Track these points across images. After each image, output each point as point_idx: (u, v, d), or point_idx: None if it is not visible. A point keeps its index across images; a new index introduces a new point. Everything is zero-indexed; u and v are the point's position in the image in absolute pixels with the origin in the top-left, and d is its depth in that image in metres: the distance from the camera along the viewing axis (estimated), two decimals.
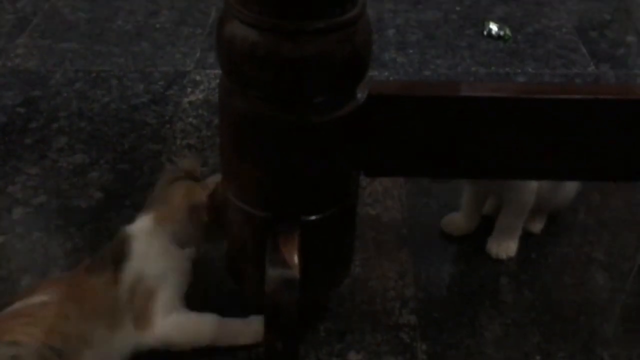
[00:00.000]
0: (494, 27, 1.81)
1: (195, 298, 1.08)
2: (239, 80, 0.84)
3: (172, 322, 0.98)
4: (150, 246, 1.00)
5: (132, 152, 1.41)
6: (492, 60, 1.71)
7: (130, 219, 1.06)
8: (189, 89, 1.60)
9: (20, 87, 1.59)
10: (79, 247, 1.18)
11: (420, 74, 1.66)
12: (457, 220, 1.21)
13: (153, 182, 1.32)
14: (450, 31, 1.83)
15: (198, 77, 1.64)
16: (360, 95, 0.88)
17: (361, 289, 1.12)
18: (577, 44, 1.78)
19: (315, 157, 0.88)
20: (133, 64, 1.69)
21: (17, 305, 0.92)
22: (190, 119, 1.50)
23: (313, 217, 0.91)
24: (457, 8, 1.93)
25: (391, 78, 1.65)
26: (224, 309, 1.07)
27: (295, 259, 0.87)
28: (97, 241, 1.17)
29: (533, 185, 1.11)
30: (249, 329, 1.00)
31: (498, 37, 1.79)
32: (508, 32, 1.80)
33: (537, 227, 1.22)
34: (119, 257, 0.98)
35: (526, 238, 1.19)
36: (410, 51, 1.75)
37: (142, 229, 1.02)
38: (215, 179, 1.04)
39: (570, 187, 1.20)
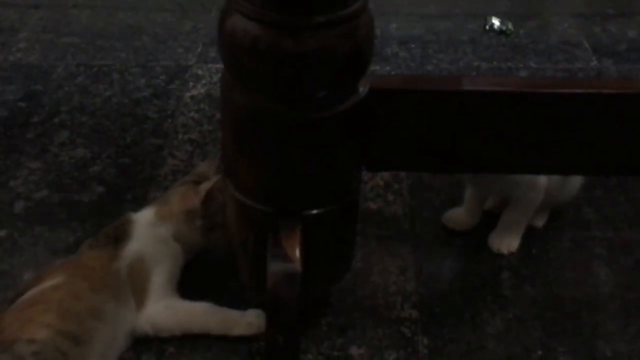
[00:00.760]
0: (496, 22, 1.81)
1: (195, 294, 1.08)
2: (240, 75, 0.84)
3: (163, 306, 1.01)
4: (151, 233, 1.05)
5: (134, 146, 1.41)
6: (495, 55, 1.71)
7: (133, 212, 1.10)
8: (191, 84, 1.60)
9: (21, 82, 1.59)
10: (81, 241, 1.18)
11: (422, 69, 1.66)
12: (459, 216, 1.21)
13: (154, 176, 1.32)
14: (453, 26, 1.83)
15: (200, 72, 1.63)
16: (362, 89, 0.88)
17: (363, 283, 1.12)
18: (580, 39, 1.77)
19: (317, 151, 0.88)
20: (135, 58, 1.69)
21: (31, 292, 0.95)
22: (191, 114, 1.50)
23: (315, 212, 0.91)
24: (460, 2, 1.93)
25: (393, 73, 1.64)
26: (226, 304, 1.07)
27: (297, 253, 0.87)
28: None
29: (542, 183, 1.11)
30: (243, 320, 1.02)
31: (500, 31, 1.79)
32: (510, 26, 1.80)
33: (539, 222, 1.22)
34: (120, 235, 1.04)
35: (528, 233, 1.19)
36: (412, 46, 1.75)
37: (144, 218, 1.08)
38: (206, 186, 1.06)
39: (575, 183, 1.20)
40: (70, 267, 1.00)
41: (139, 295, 1.01)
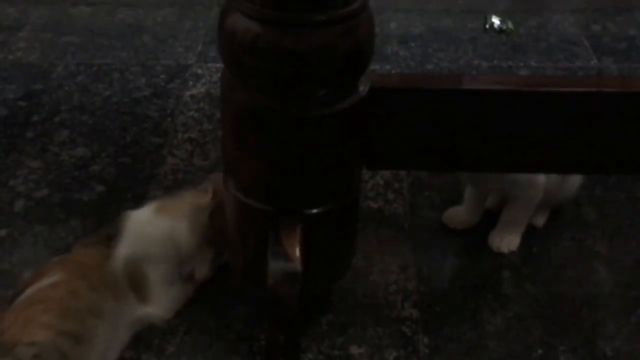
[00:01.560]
0: (496, 21, 1.80)
1: (196, 293, 1.08)
2: (240, 73, 0.84)
3: (170, 298, 1.03)
4: (144, 231, 1.04)
5: (134, 145, 1.41)
6: (495, 54, 1.71)
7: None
8: (191, 83, 1.59)
9: (22, 81, 1.59)
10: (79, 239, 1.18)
11: (423, 68, 1.65)
12: (459, 214, 1.21)
13: (154, 175, 1.32)
14: (453, 25, 1.83)
15: (200, 71, 1.63)
16: (362, 88, 0.88)
17: (363, 282, 1.12)
18: (580, 38, 1.77)
19: (317, 150, 0.88)
20: (135, 57, 1.68)
21: (29, 291, 0.95)
22: (191, 113, 1.50)
23: (315, 211, 0.91)
24: (460, 1, 1.93)
25: (393, 71, 1.64)
26: (226, 303, 1.07)
27: (297, 252, 0.87)
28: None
29: (541, 181, 1.11)
30: None
31: (500, 30, 1.79)
32: (510, 25, 1.80)
33: (539, 221, 1.22)
34: (112, 234, 1.03)
35: (528, 232, 1.19)
36: (413, 44, 1.75)
37: (140, 216, 1.06)
38: (216, 176, 1.06)
39: (574, 182, 1.20)
40: (67, 265, 0.99)
41: (140, 293, 1.01)
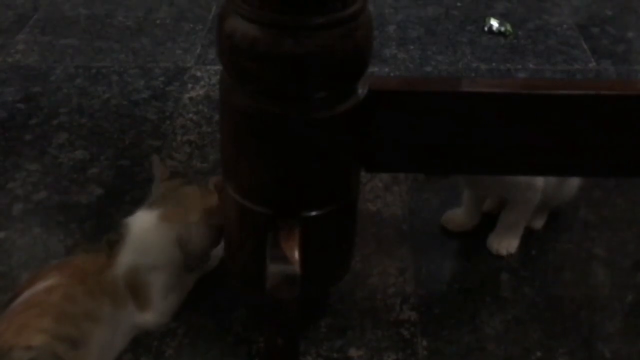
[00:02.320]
0: (494, 23, 1.81)
1: (191, 294, 1.08)
2: (239, 76, 0.84)
3: (169, 304, 1.03)
4: (147, 240, 1.02)
5: (133, 148, 1.41)
6: (493, 57, 1.71)
7: (131, 214, 1.07)
8: (190, 85, 1.59)
9: (20, 83, 1.59)
10: (79, 243, 1.18)
11: (421, 70, 1.66)
12: (458, 217, 1.21)
13: (153, 178, 1.32)
14: (451, 27, 1.83)
15: (198, 73, 1.63)
16: (361, 90, 0.88)
17: (362, 285, 1.12)
18: (578, 40, 1.77)
19: (316, 152, 0.88)
20: (133, 59, 1.68)
21: (25, 294, 0.94)
22: (190, 115, 1.50)
23: (314, 213, 0.91)
24: (458, 4, 1.93)
25: (392, 74, 1.64)
26: (225, 306, 1.07)
27: (296, 255, 0.87)
28: (98, 237, 1.17)
29: (539, 184, 1.11)
30: None
31: (499, 33, 1.79)
32: (509, 28, 1.80)
33: (538, 223, 1.22)
34: (114, 240, 1.02)
35: (527, 234, 1.19)
36: (411, 47, 1.75)
37: (143, 223, 1.04)
38: (215, 180, 1.05)
39: (573, 184, 1.20)
40: (65, 269, 0.99)
41: (140, 301, 1.00)
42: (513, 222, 1.16)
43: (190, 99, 1.55)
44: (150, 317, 1.01)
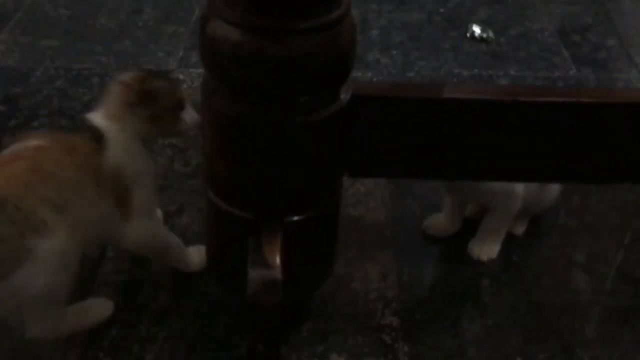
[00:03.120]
0: (477, 30, 1.82)
1: (176, 300, 1.08)
2: (222, 80, 0.84)
3: (145, 228, 1.03)
4: (123, 143, 1.00)
5: None
6: (475, 63, 1.72)
7: None
8: None
9: (0, 84, 1.57)
10: None
11: (404, 76, 1.66)
12: (440, 222, 1.21)
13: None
14: (434, 33, 1.84)
15: (181, 76, 1.62)
16: (344, 95, 0.88)
17: (344, 290, 1.12)
18: (559, 47, 1.79)
19: (299, 157, 0.88)
20: (115, 62, 1.67)
21: (15, 146, 0.95)
22: None
23: (296, 218, 0.91)
24: (441, 10, 1.94)
25: (375, 79, 1.65)
26: (206, 311, 1.06)
27: (278, 260, 0.87)
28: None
29: (519, 191, 1.12)
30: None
31: (481, 39, 1.80)
32: (491, 34, 1.81)
33: (519, 229, 1.23)
34: (99, 137, 0.99)
35: (508, 240, 1.20)
36: (394, 52, 1.76)
37: (108, 126, 1.00)
38: (127, 76, 1.03)
39: (553, 191, 1.21)
40: (57, 139, 0.98)
41: (122, 205, 1.00)
42: (494, 228, 1.17)
43: None
44: (130, 231, 1.01)
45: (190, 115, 1.05)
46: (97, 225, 0.98)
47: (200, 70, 1.57)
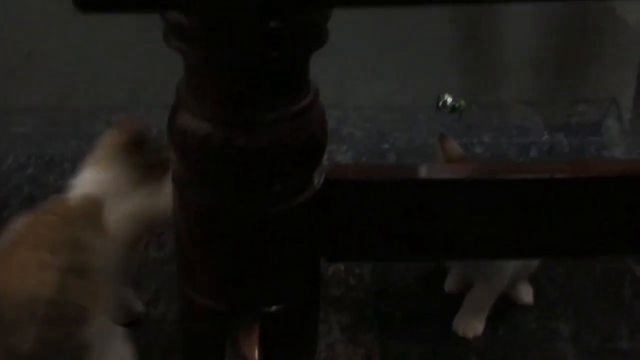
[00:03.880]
0: (448, 99, 1.83)
1: None
2: (191, 172, 0.82)
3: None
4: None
5: None
6: (449, 132, 1.72)
7: None
8: None
9: None
10: None
11: (379, 148, 1.67)
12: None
13: None
14: (407, 103, 1.85)
15: None
16: (317, 181, 0.87)
17: None
18: (532, 113, 1.81)
19: (274, 247, 0.86)
20: (87, 145, 1.65)
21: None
22: None
23: (274, 308, 0.88)
24: (410, 82, 1.96)
25: (349, 152, 1.65)
26: None
27: (256, 354, 0.84)
28: None
29: (507, 271, 1.10)
30: None
31: (453, 108, 1.82)
32: (463, 103, 1.82)
33: (528, 297, 1.20)
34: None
35: (494, 313, 1.18)
36: (368, 125, 1.76)
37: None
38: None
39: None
40: (32, 214, 0.95)
41: None
42: (479, 304, 1.15)
43: None
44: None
45: None
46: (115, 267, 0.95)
47: None
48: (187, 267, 0.89)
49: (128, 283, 1.08)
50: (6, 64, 1.94)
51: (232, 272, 0.86)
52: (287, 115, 0.79)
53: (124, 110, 1.81)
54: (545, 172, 0.89)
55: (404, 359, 1.12)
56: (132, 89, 1.90)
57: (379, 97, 1.88)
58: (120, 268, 0.98)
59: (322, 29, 0.78)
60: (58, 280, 0.84)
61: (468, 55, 2.08)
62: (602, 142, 1.69)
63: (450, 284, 1.21)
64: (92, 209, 0.97)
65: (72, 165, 1.58)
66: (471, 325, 1.15)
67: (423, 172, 0.91)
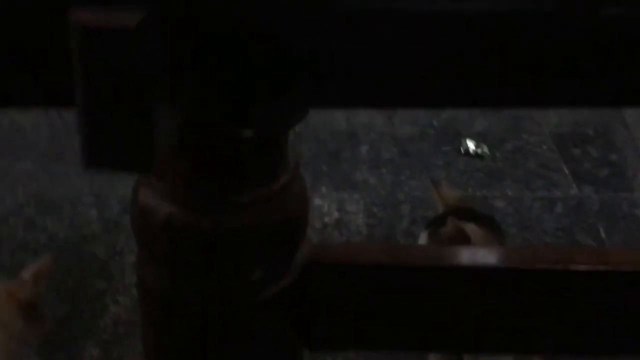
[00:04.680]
0: (471, 145, 1.73)
1: None
2: (155, 256, 0.74)
3: None
4: None
5: (75, 290, 1.30)
6: (470, 181, 1.62)
7: None
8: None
9: None
10: None
11: (393, 198, 1.57)
12: None
13: (92, 328, 1.21)
14: (426, 148, 1.75)
15: None
16: (297, 266, 0.78)
17: None
18: (559, 163, 1.69)
19: (250, 337, 0.77)
20: (89, 186, 1.60)
21: None
22: None
23: None
24: (434, 123, 1.86)
25: (362, 201, 1.56)
26: None
27: None
28: None
29: None
30: None
31: (475, 154, 1.71)
32: (486, 149, 1.72)
33: None
34: None
35: None
36: (384, 170, 1.67)
37: None
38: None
39: None
40: None
41: None
42: None
43: None
44: None
45: None
46: None
47: None
48: (153, 356, 0.81)
49: None
50: None
51: None
52: (261, 198, 0.71)
53: None
54: (560, 262, 0.79)
55: None
56: None
57: (397, 139, 1.78)
58: None
59: (301, 105, 0.69)
60: None
61: None
62: (633, 197, 1.56)
63: None
64: None
65: (70, 207, 1.53)
66: None
67: (413, 254, 0.81)
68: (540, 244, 1.42)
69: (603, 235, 1.44)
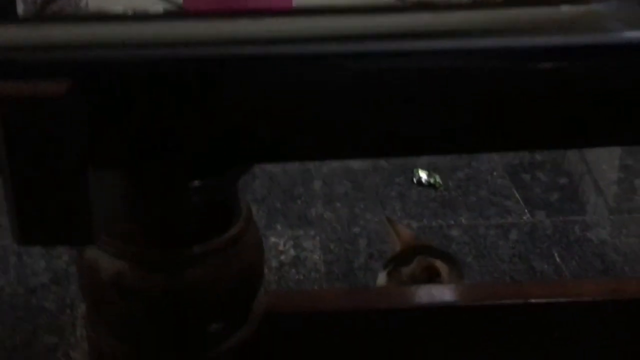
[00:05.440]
0: (423, 175, 1.74)
1: None
2: (105, 316, 0.71)
3: None
4: None
5: (24, 348, 1.24)
6: (424, 212, 1.63)
7: None
8: None
9: None
10: None
11: (349, 232, 1.56)
12: None
13: None
14: (379, 180, 1.75)
15: None
16: (255, 317, 0.75)
17: None
18: (510, 189, 1.71)
19: None
20: None
21: None
22: None
23: None
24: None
25: (318, 237, 1.54)
26: None
27: None
28: None
29: None
30: None
31: (428, 184, 1.72)
32: (438, 179, 1.73)
33: None
34: None
35: None
36: (338, 205, 1.66)
37: None
38: None
39: None
40: None
41: None
42: None
43: None
44: None
45: None
46: None
47: None
48: None
49: None
50: None
51: None
52: (212, 250, 0.68)
53: None
54: (519, 296, 0.79)
55: None
56: None
57: (350, 173, 1.78)
58: None
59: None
60: None
61: None
62: (584, 220, 1.59)
63: None
64: None
65: (17, 259, 1.48)
66: None
67: (375, 298, 0.80)
68: (498, 272, 1.43)
69: (558, 259, 1.46)
